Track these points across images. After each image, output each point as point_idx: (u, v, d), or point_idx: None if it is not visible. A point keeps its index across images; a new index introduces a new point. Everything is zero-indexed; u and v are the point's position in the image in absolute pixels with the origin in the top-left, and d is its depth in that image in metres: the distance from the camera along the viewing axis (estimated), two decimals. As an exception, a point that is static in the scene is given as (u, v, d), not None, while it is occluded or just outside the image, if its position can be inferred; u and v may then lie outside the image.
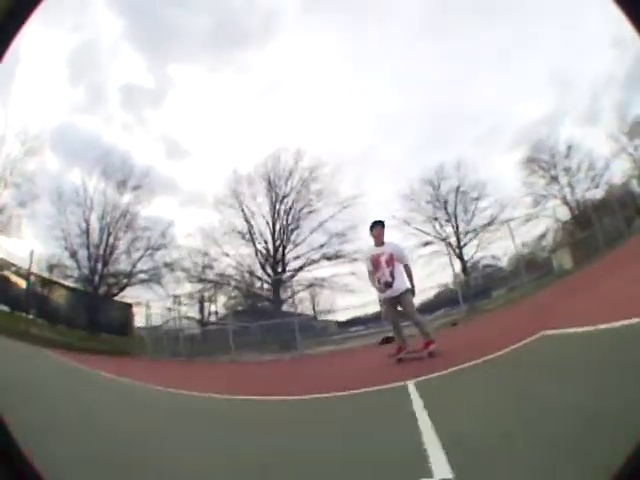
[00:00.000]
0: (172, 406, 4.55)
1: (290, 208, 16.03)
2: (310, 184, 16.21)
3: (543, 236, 14.78)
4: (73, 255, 15.42)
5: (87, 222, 15.72)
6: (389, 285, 5.79)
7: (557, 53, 15.31)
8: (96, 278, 15.43)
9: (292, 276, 15.47)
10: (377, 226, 6.08)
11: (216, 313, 16.85)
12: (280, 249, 15.78)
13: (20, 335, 11.07)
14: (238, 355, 11.18)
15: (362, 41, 20.79)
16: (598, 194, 14.08)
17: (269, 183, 16.35)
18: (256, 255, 15.81)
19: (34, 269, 13.86)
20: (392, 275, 5.78)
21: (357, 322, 15.74)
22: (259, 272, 15.89)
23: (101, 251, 15.70)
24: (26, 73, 16.48)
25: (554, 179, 14.59)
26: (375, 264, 5.86)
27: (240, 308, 16.75)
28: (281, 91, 23.12)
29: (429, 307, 15.07)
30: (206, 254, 15.83)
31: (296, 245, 15.79)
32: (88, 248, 15.60)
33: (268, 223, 16.06)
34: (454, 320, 11.77)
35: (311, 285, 15.02)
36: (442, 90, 17.55)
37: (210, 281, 15.96)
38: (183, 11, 19.80)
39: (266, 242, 15.88)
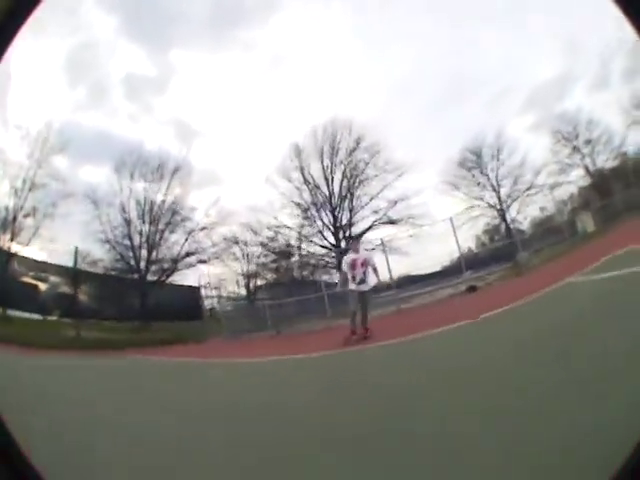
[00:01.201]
0: (189, 404, 4.43)
1: (343, 178, 17.13)
2: (358, 153, 17.20)
3: (567, 201, 16.55)
4: (117, 247, 15.49)
5: (127, 211, 15.69)
6: (362, 282, 7.99)
7: (567, 15, 15.28)
8: (143, 266, 15.59)
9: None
10: (354, 240, 9.64)
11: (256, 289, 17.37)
12: (339, 217, 16.92)
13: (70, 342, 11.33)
14: (333, 321, 11.95)
15: (367, 5, 20.88)
16: (616, 164, 15.88)
17: (321, 154, 17.19)
18: (314, 224, 16.85)
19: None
20: (364, 274, 8.01)
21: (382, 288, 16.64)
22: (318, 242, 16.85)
23: (144, 238, 15.79)
24: (26, 80, 15.70)
25: (576, 149, 16.32)
26: (352, 266, 8.04)
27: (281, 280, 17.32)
28: (288, 65, 22.79)
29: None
30: (274, 228, 16.34)
31: (355, 212, 17.01)
32: (130, 238, 15.66)
33: (324, 193, 17.03)
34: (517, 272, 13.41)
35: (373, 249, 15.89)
36: (453, 53, 17.97)
37: (276, 253, 16.54)
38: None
39: (324, 211, 16.82)
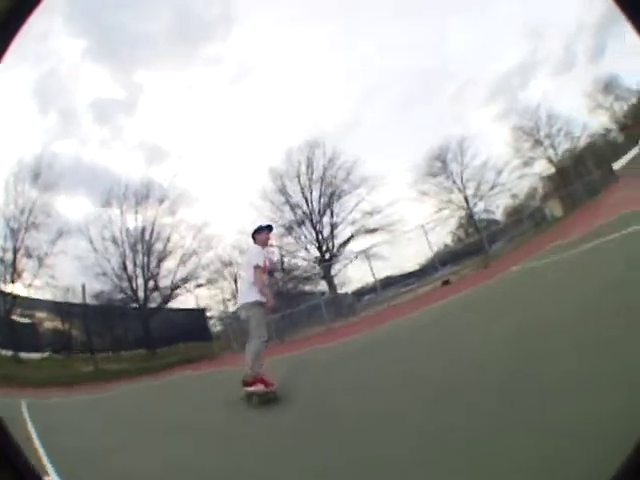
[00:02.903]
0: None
1: (320, 195, 18.86)
2: (333, 171, 18.80)
3: (534, 191, 18.38)
4: (114, 279, 16.80)
5: (120, 243, 16.99)
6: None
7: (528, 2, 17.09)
8: (142, 294, 17.01)
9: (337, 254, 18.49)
10: (267, 230, 5.82)
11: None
12: (321, 232, 18.72)
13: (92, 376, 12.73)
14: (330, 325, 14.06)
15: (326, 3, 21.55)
16: (578, 152, 17.63)
17: (298, 175, 18.93)
18: (299, 241, 18.55)
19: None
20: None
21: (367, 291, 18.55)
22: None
23: (139, 268, 17.17)
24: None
25: (538, 142, 18.07)
26: (264, 268, 5.42)
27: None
28: (253, 77, 24.36)
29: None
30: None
31: (335, 226, 18.87)
32: (126, 269, 17.00)
33: (304, 211, 18.69)
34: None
35: (356, 257, 17.88)
36: (416, 48, 19.47)
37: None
38: (138, 13, 20.20)
39: (306, 228, 18.49)
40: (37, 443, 4.39)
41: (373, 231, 18.48)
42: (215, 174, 22.77)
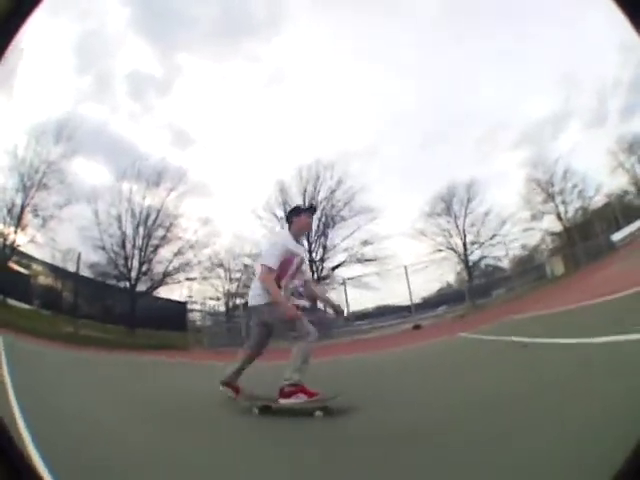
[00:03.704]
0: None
1: (321, 217, 19.36)
2: (338, 194, 19.47)
3: (537, 247, 18.64)
4: (111, 254, 17.37)
5: (123, 222, 17.65)
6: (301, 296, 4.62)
7: (566, 54, 17.31)
8: (134, 275, 17.51)
9: (328, 275, 18.96)
10: (309, 213, 4.40)
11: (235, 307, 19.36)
12: (314, 253, 19.25)
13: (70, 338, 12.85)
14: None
15: (369, 36, 23.13)
16: (585, 215, 18.01)
17: (304, 193, 19.69)
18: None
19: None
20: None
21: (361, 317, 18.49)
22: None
23: (137, 250, 17.70)
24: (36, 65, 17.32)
25: (550, 196, 18.32)
26: (300, 263, 4.22)
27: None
28: (287, 83, 25.58)
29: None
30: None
31: (328, 250, 19.45)
32: (124, 248, 17.63)
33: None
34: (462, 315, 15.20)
35: (343, 283, 18.10)
36: (447, 87, 20.38)
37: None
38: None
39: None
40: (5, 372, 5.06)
41: (364, 261, 18.97)
42: (226, 173, 23.35)
